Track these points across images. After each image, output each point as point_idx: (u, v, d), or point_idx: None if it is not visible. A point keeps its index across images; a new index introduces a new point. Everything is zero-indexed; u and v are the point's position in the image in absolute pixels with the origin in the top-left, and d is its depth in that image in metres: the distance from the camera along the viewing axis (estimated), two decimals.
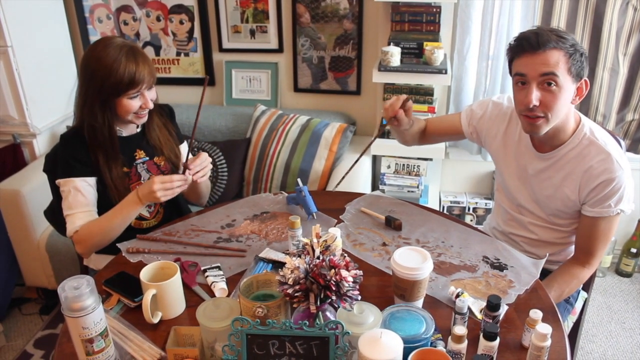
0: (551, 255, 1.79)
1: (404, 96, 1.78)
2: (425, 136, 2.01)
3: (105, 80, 1.66)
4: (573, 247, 1.80)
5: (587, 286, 1.99)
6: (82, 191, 1.75)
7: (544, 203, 1.75)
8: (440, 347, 1.25)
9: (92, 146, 1.76)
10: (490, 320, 1.27)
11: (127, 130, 1.87)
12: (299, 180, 1.93)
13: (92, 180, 1.78)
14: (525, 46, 1.49)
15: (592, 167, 1.60)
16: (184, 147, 2.06)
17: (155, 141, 1.92)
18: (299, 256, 1.18)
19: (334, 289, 1.12)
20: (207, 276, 1.57)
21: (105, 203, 1.78)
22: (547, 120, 1.54)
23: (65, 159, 1.76)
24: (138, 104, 1.74)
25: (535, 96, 1.49)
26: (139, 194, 1.71)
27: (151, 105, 1.78)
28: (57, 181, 1.78)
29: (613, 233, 1.70)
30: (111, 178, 1.79)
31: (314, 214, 1.86)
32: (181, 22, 3.05)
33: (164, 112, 1.98)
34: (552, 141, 1.66)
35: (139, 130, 1.90)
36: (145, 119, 1.82)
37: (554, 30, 1.50)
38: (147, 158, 1.91)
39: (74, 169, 1.75)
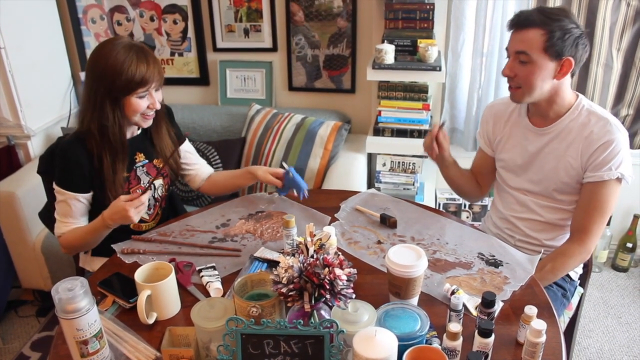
0: (552, 240, 1.84)
1: (437, 124, 1.90)
2: (479, 181, 2.08)
3: (116, 77, 1.66)
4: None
5: (583, 281, 2.00)
6: (73, 206, 1.76)
7: (548, 177, 1.78)
8: (436, 344, 1.25)
9: (99, 148, 1.75)
10: (486, 317, 1.28)
11: (128, 133, 1.86)
12: (283, 163, 1.93)
13: (86, 196, 1.79)
14: (510, 24, 1.68)
15: (592, 132, 1.69)
16: (185, 146, 2.05)
17: (160, 144, 1.92)
18: (293, 255, 1.18)
19: (328, 287, 1.12)
20: (202, 276, 1.57)
21: (100, 207, 1.76)
22: (522, 92, 1.70)
23: (64, 170, 1.76)
24: (146, 104, 1.74)
25: (508, 67, 1.69)
26: (110, 223, 1.69)
27: (159, 106, 1.78)
28: (54, 186, 1.77)
29: (610, 207, 1.70)
30: (113, 181, 1.78)
31: (306, 190, 1.86)
32: (175, 22, 3.05)
33: (164, 112, 1.97)
34: (549, 114, 1.76)
35: (139, 132, 1.90)
36: (150, 122, 1.82)
37: (546, 10, 1.64)
38: (147, 161, 1.91)
39: (72, 184, 1.75)
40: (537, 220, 1.85)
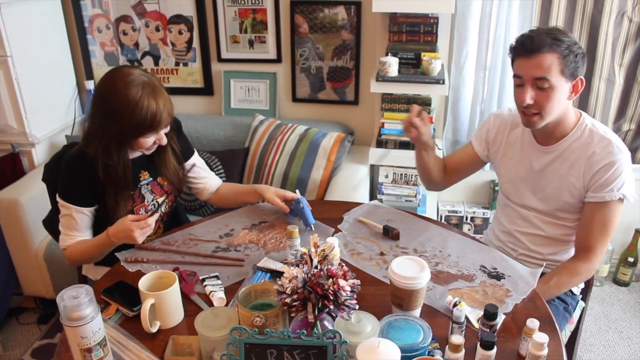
0: (555, 255, 1.85)
1: (417, 107, 1.87)
2: (447, 173, 2.06)
3: (128, 121, 1.64)
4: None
5: (584, 295, 2.00)
6: (77, 219, 1.76)
7: (551, 196, 1.78)
8: (438, 356, 1.25)
9: (102, 179, 1.73)
10: (488, 330, 1.28)
11: (133, 154, 1.84)
12: (297, 191, 1.94)
13: (91, 210, 1.79)
14: (521, 50, 1.61)
15: (594, 152, 1.68)
16: (194, 159, 2.03)
17: (162, 167, 1.90)
18: (297, 266, 1.18)
19: (331, 298, 1.12)
20: (206, 285, 1.57)
21: (105, 220, 1.76)
22: (541, 117, 1.66)
23: (68, 183, 1.75)
24: (152, 141, 1.74)
25: (529, 96, 1.62)
26: (114, 239, 1.69)
27: (164, 142, 1.78)
28: (58, 198, 1.77)
29: (613, 225, 1.70)
30: (115, 202, 1.77)
31: (312, 225, 1.86)
32: (180, 32, 3.07)
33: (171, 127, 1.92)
34: (554, 134, 1.75)
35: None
36: (153, 149, 1.81)
37: (551, 32, 1.60)
38: (151, 179, 1.90)
39: (76, 198, 1.75)
40: (540, 235, 1.85)
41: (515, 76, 1.66)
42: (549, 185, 1.78)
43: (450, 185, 2.10)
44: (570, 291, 1.87)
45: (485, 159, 2.00)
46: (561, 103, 1.65)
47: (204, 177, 2.07)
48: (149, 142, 1.73)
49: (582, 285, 1.92)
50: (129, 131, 1.67)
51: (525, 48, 1.59)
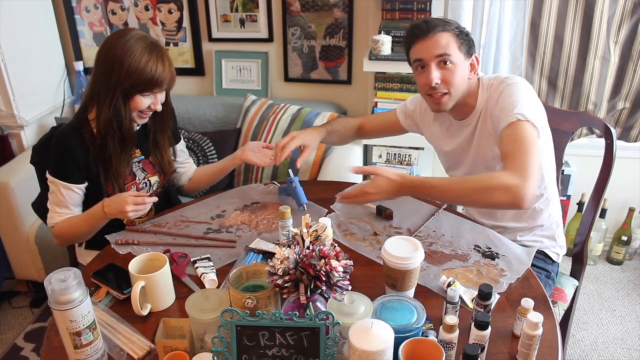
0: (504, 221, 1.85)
1: (284, 143, 1.88)
2: (361, 134, 2.13)
3: (138, 76, 1.65)
4: (536, 209, 1.81)
5: (578, 274, 2.00)
6: (66, 196, 1.75)
7: (491, 163, 1.74)
8: (432, 336, 1.25)
9: (103, 139, 1.73)
10: (482, 309, 1.27)
11: None
12: (290, 171, 1.92)
13: (81, 187, 1.77)
14: (417, 33, 1.64)
15: (491, 97, 1.69)
16: (180, 145, 2.05)
17: (159, 143, 1.91)
18: (289, 246, 1.17)
19: (324, 279, 1.11)
20: (197, 267, 1.56)
21: (95, 200, 1.75)
22: (450, 96, 1.67)
23: (58, 159, 1.74)
24: (148, 103, 1.73)
25: (435, 75, 1.63)
26: (106, 211, 1.68)
27: (159, 108, 1.77)
28: (47, 175, 1.76)
29: (528, 144, 1.52)
30: (117, 172, 1.77)
31: (305, 205, 1.84)
32: (170, 12, 3.02)
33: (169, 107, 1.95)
34: (465, 109, 1.76)
35: (138, 127, 1.88)
36: (145, 120, 1.81)
37: (440, 18, 1.71)
38: (143, 157, 1.90)
39: (66, 174, 1.74)
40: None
41: (415, 61, 1.67)
42: (486, 154, 1.74)
43: (359, 139, 2.24)
44: (550, 258, 1.86)
45: (409, 129, 2.07)
46: (464, 81, 1.67)
47: (187, 161, 2.09)
48: (145, 103, 1.72)
49: (562, 252, 1.90)
50: (137, 86, 1.67)
51: (422, 30, 1.63)
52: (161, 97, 1.77)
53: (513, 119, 1.56)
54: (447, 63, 1.62)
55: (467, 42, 1.65)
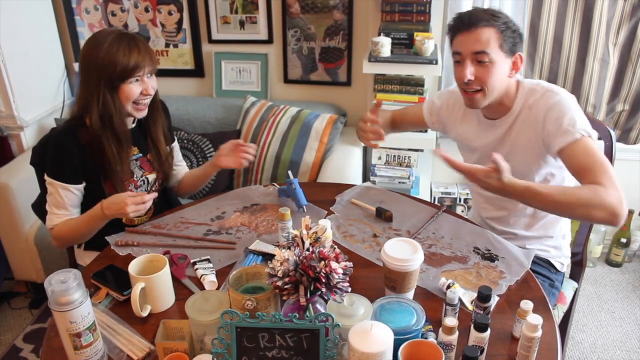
0: (525, 229, 1.83)
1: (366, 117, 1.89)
2: (394, 127, 2.11)
3: (111, 66, 1.66)
4: (549, 220, 1.79)
5: (577, 276, 2.00)
6: (64, 197, 1.75)
7: (518, 170, 1.64)
8: (431, 338, 1.25)
9: (97, 139, 1.73)
10: (481, 311, 1.27)
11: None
12: (289, 172, 1.92)
13: (79, 187, 1.77)
14: (460, 26, 1.61)
15: (533, 106, 1.65)
16: (175, 143, 2.06)
17: (154, 136, 1.91)
18: (289, 248, 1.17)
19: (323, 281, 1.11)
20: (197, 269, 1.56)
21: (94, 201, 1.75)
22: (484, 94, 1.63)
23: (55, 160, 1.74)
24: (139, 90, 1.72)
25: (469, 71, 1.59)
26: (106, 212, 1.67)
27: (152, 92, 1.76)
28: (45, 176, 1.76)
29: (600, 157, 1.51)
30: (121, 170, 1.77)
31: (304, 207, 1.85)
32: (170, 13, 3.02)
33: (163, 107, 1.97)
34: (500, 109, 1.72)
35: (134, 125, 1.88)
36: (144, 112, 1.80)
37: (488, 9, 1.62)
38: (141, 155, 1.90)
39: (63, 176, 1.74)
40: (503, 216, 1.84)
41: (454, 53, 1.64)
42: (514, 159, 1.65)
43: (392, 133, 2.18)
44: (555, 268, 1.86)
45: (432, 128, 2.04)
46: (502, 80, 1.63)
47: (180, 163, 2.10)
48: (135, 90, 1.71)
49: (567, 262, 1.91)
50: (115, 76, 1.67)
51: (464, 23, 1.59)
52: (151, 81, 1.75)
53: (578, 136, 1.53)
54: (484, 61, 1.58)
55: (511, 39, 1.59)
